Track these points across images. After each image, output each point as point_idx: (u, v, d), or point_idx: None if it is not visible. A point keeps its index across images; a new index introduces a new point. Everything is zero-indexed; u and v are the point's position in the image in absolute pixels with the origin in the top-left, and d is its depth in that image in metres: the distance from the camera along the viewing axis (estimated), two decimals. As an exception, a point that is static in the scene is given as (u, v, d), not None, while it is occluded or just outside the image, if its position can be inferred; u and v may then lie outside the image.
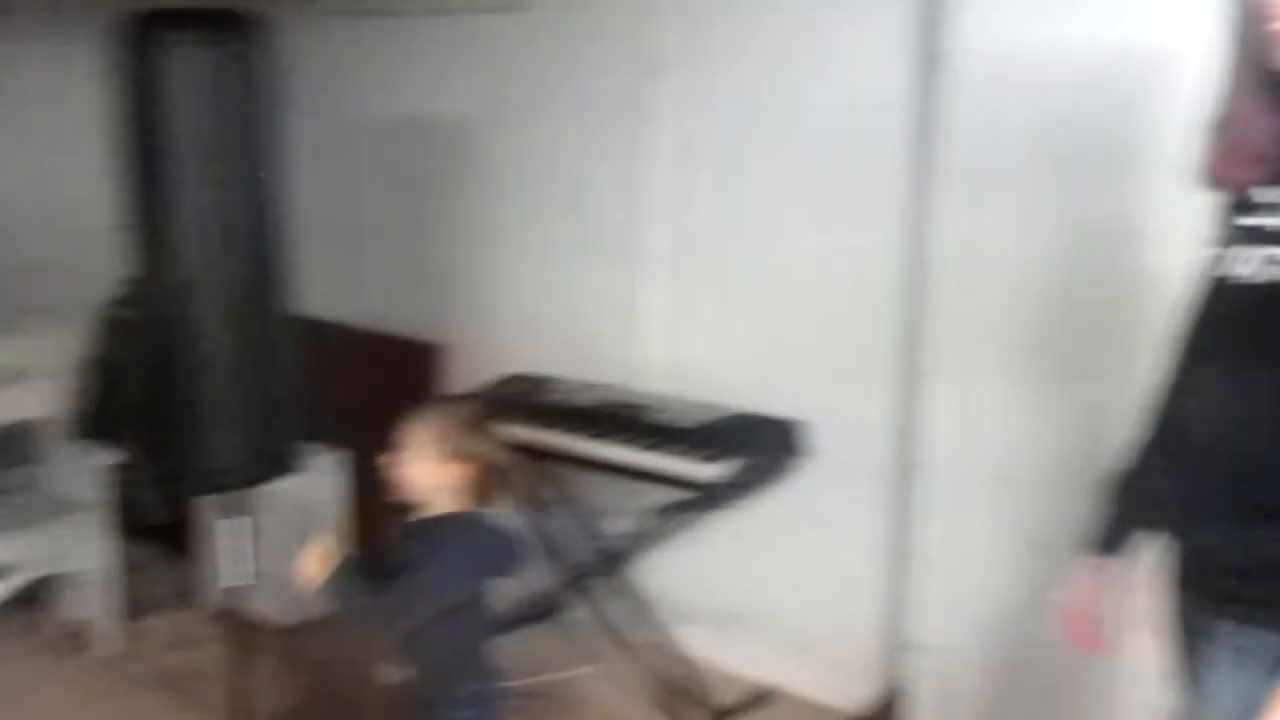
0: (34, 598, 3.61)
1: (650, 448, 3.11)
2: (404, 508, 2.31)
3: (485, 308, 3.89)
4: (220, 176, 2.32)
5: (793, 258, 3.22)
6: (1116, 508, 1.82)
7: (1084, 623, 1.82)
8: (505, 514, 2.45)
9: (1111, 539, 1.81)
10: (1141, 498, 1.78)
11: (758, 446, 3.11)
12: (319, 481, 3.65)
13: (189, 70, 2.27)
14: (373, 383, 3.92)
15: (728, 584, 3.46)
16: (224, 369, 2.38)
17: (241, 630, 2.63)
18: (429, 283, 4.03)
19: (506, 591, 2.57)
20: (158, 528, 4.27)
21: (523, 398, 3.45)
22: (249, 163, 2.36)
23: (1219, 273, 1.58)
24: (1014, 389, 2.88)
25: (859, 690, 3.19)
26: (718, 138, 3.33)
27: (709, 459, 3.02)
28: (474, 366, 3.82)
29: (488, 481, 2.30)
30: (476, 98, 3.83)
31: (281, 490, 3.41)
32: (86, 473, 3.49)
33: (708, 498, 3.04)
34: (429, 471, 2.27)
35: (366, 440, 3.75)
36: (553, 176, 3.69)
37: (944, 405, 2.95)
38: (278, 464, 2.52)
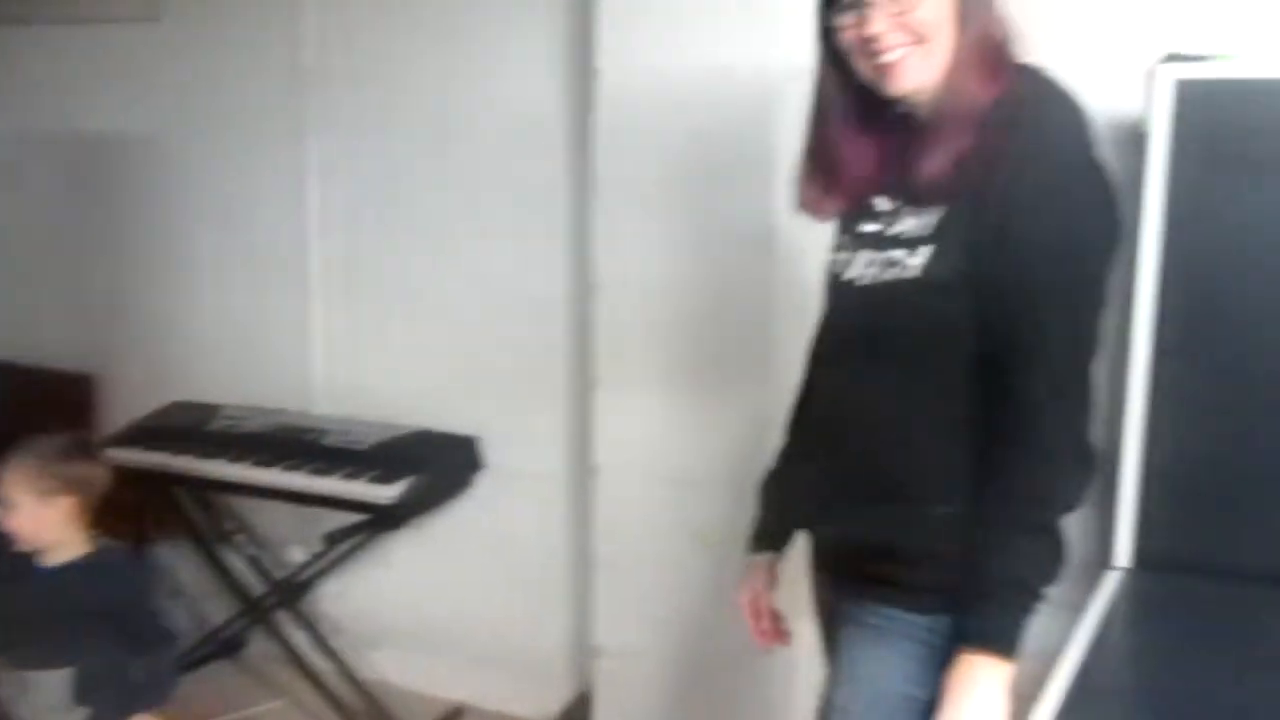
0: None
1: (323, 472, 3.03)
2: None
3: (149, 335, 3.68)
4: None
5: (462, 273, 3.21)
6: (766, 507, 1.90)
7: (762, 619, 1.89)
8: (120, 546, 2.41)
9: (767, 537, 1.89)
10: (786, 495, 1.86)
11: (435, 464, 3.08)
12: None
13: None
14: (25, 420, 3.64)
15: (414, 604, 3.41)
16: None
17: None
18: (84, 310, 3.77)
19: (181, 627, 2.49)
20: None
21: (189, 427, 3.29)
22: None
23: (838, 276, 1.67)
24: (682, 396, 2.95)
25: (550, 699, 3.21)
26: (381, 152, 3.28)
27: (383, 480, 2.97)
28: (138, 397, 3.60)
29: (104, 508, 2.26)
30: (128, 112, 3.63)
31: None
32: None
33: (384, 519, 2.98)
34: (36, 515, 2.18)
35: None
36: (216, 194, 3.53)
37: (615, 414, 3.00)
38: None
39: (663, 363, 2.98)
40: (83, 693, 2.24)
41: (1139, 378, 2.08)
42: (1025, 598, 1.48)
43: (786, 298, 2.69)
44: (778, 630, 1.90)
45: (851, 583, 1.67)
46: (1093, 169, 1.50)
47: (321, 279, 3.40)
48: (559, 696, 3.21)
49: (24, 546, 2.22)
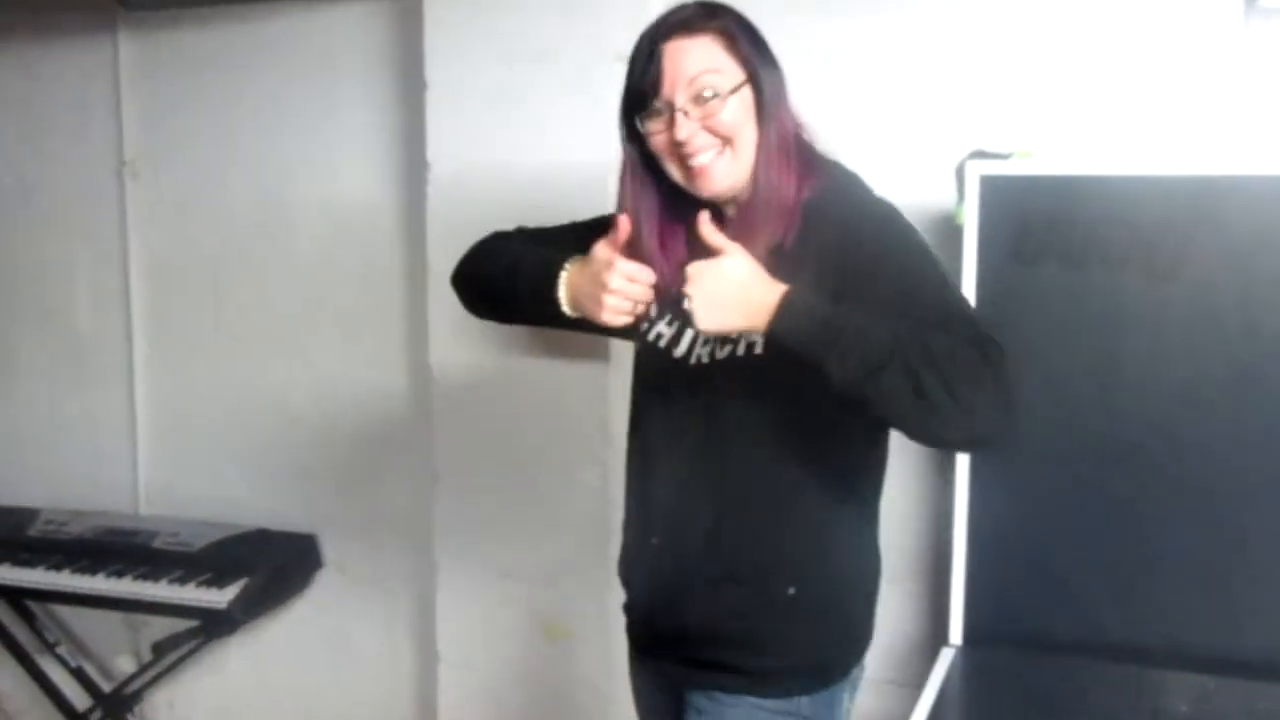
0: None
1: (149, 576, 2.91)
2: None
3: (-37, 435, 3.50)
4: None
5: (296, 365, 3.14)
6: None
7: None
8: None
9: None
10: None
11: (270, 564, 2.98)
12: None
13: None
14: None
15: (252, 712, 3.27)
16: None
17: None
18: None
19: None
20: None
21: (5, 532, 3.12)
22: None
23: (664, 352, 1.68)
24: (522, 488, 2.92)
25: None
26: (207, 244, 3.19)
27: (214, 583, 2.88)
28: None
29: None
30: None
31: None
32: None
33: (216, 624, 2.87)
34: None
35: None
36: (31, 287, 3.40)
37: (456, 507, 2.95)
38: None
39: (502, 454, 2.96)
40: None
41: (963, 461, 2.15)
42: (870, 352, 1.37)
43: (623, 389, 2.71)
44: None
45: (693, 670, 1.68)
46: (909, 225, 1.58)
47: (146, 375, 3.28)
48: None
49: None
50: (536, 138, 2.61)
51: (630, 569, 1.79)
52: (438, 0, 2.68)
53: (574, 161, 2.54)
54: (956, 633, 2.17)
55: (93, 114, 3.25)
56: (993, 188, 2.06)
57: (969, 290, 2.08)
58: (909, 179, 2.04)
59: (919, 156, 2.33)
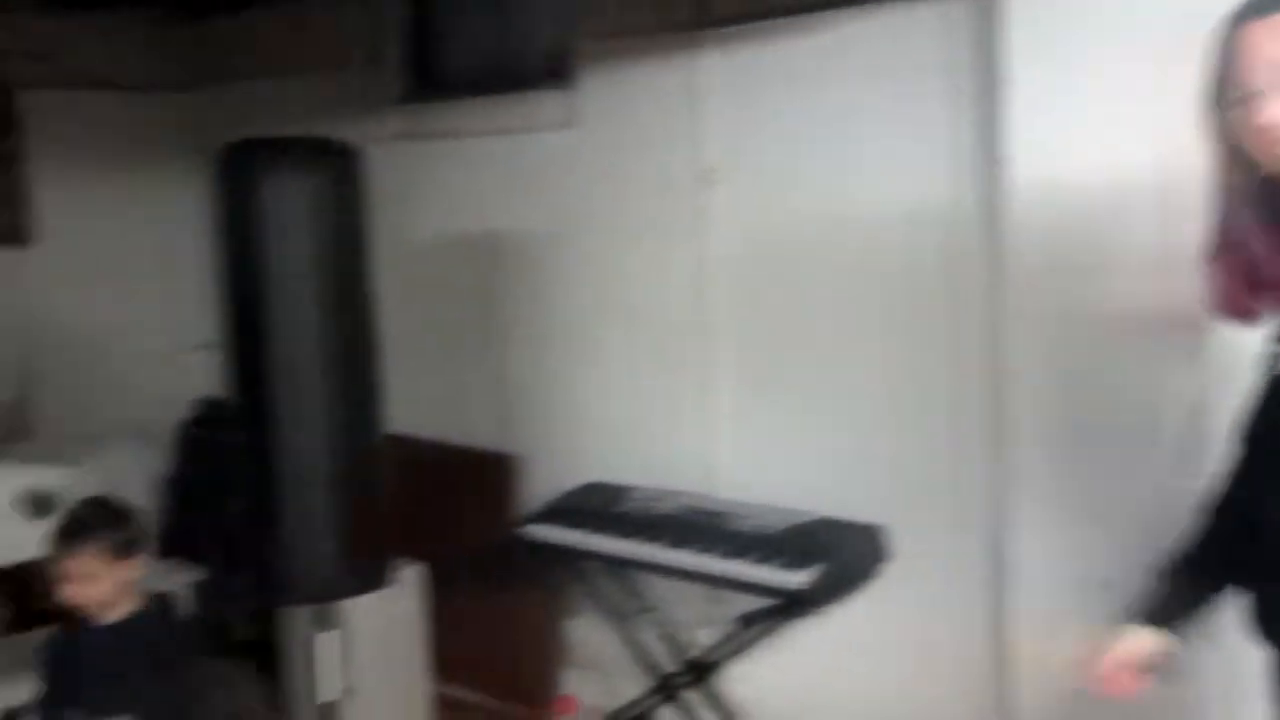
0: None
1: (734, 555, 3.10)
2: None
3: (558, 418, 3.92)
4: (317, 296, 2.38)
5: (866, 361, 3.22)
6: (1170, 587, 1.82)
7: (1122, 678, 1.80)
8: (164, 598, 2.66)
9: (1161, 615, 1.80)
10: (1199, 582, 1.79)
11: (842, 552, 3.08)
12: (400, 595, 3.67)
13: (287, 195, 2.35)
14: (445, 496, 3.97)
15: (822, 692, 3.39)
16: (319, 484, 2.40)
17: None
18: (504, 396, 4.07)
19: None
20: (240, 644, 4.31)
21: (603, 507, 3.46)
22: (345, 283, 2.42)
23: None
24: (1107, 489, 2.84)
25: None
26: (779, 246, 3.36)
27: (793, 565, 3.00)
28: (548, 477, 3.84)
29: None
30: (538, 212, 3.91)
31: (365, 604, 3.46)
32: (174, 587, 3.51)
33: (792, 605, 3.01)
34: (114, 580, 2.45)
35: (439, 554, 3.81)
36: (619, 288, 3.74)
37: (1033, 508, 2.91)
38: (370, 578, 2.53)
39: (1083, 458, 2.87)
40: None
41: None
42: None
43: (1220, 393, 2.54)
44: (1127, 684, 1.78)
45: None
46: None
47: (725, 367, 3.51)
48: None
49: (90, 612, 2.46)
50: (1116, 135, 2.52)
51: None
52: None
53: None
54: None
55: (675, 125, 3.52)
56: None
57: None
58: None
59: None
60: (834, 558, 3.04)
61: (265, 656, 4.09)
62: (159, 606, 2.59)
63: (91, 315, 4.68)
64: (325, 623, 2.55)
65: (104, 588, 2.45)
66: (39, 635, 2.57)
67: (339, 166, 2.46)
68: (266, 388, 2.38)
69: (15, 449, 4.35)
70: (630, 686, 3.66)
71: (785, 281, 3.37)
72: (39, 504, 3.45)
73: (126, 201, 4.82)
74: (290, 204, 2.34)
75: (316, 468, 2.40)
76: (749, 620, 3.09)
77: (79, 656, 2.47)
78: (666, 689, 3.39)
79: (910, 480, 3.17)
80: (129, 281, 4.81)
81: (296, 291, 2.36)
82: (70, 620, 2.48)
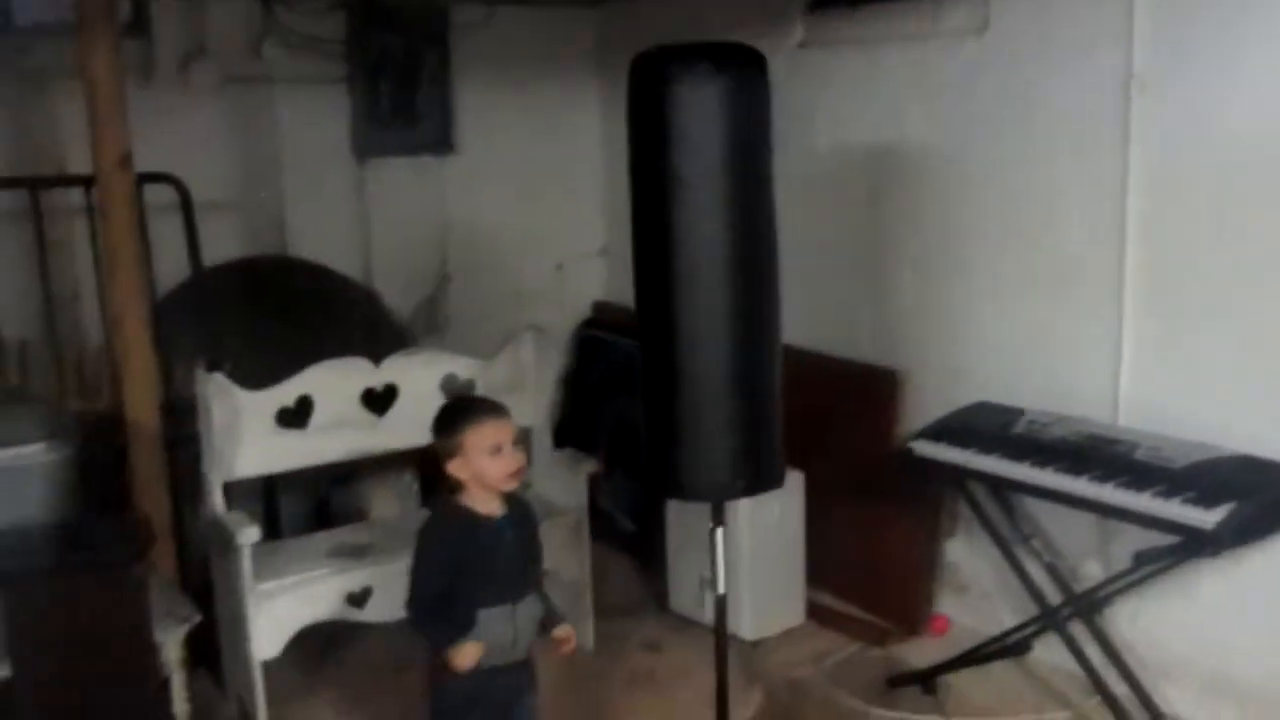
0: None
1: (1132, 486, 2.93)
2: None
3: (948, 337, 3.82)
4: (720, 206, 2.42)
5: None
6: None
7: None
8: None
9: None
10: None
11: (1259, 494, 2.84)
12: (786, 499, 3.75)
13: (698, 99, 2.40)
14: (828, 405, 3.99)
15: (1218, 643, 3.18)
16: (719, 387, 2.48)
17: (721, 639, 2.73)
18: (889, 311, 4.02)
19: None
20: (624, 536, 4.57)
21: (993, 427, 3.36)
22: (749, 191, 2.45)
23: None
24: None
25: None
26: (1207, 160, 3.08)
27: (1200, 503, 2.80)
28: (934, 395, 3.77)
29: None
30: (938, 124, 3.77)
31: (754, 505, 3.57)
32: (570, 479, 3.75)
33: (1199, 545, 2.80)
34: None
35: (822, 464, 3.86)
36: (1020, 204, 3.57)
37: None
38: (762, 479, 2.60)
39: None
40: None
41: None
42: None
43: None
44: None
45: None
46: None
47: (1135, 290, 3.28)
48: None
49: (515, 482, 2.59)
50: None
51: None
52: None
53: None
54: None
55: (1103, 27, 3.28)
56: None
57: None
58: None
59: None
60: (1247, 499, 2.81)
61: (644, 550, 4.33)
62: (524, 504, 2.74)
63: (498, 221, 5.02)
64: (719, 520, 2.63)
65: (522, 459, 2.61)
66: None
67: (747, 73, 2.49)
68: (671, 293, 2.47)
69: (434, 340, 4.79)
70: (1007, 614, 3.58)
71: (1212, 199, 3.09)
72: (456, 392, 3.78)
73: (535, 114, 5.10)
74: (700, 109, 2.39)
75: (719, 373, 2.47)
76: (1146, 557, 2.92)
77: (491, 545, 2.59)
78: (1049, 620, 3.27)
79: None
80: (534, 190, 5.12)
81: (703, 198, 2.41)
82: (451, 508, 2.61)
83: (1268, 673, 3.09)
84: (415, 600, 2.55)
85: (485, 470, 2.53)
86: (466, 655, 2.48)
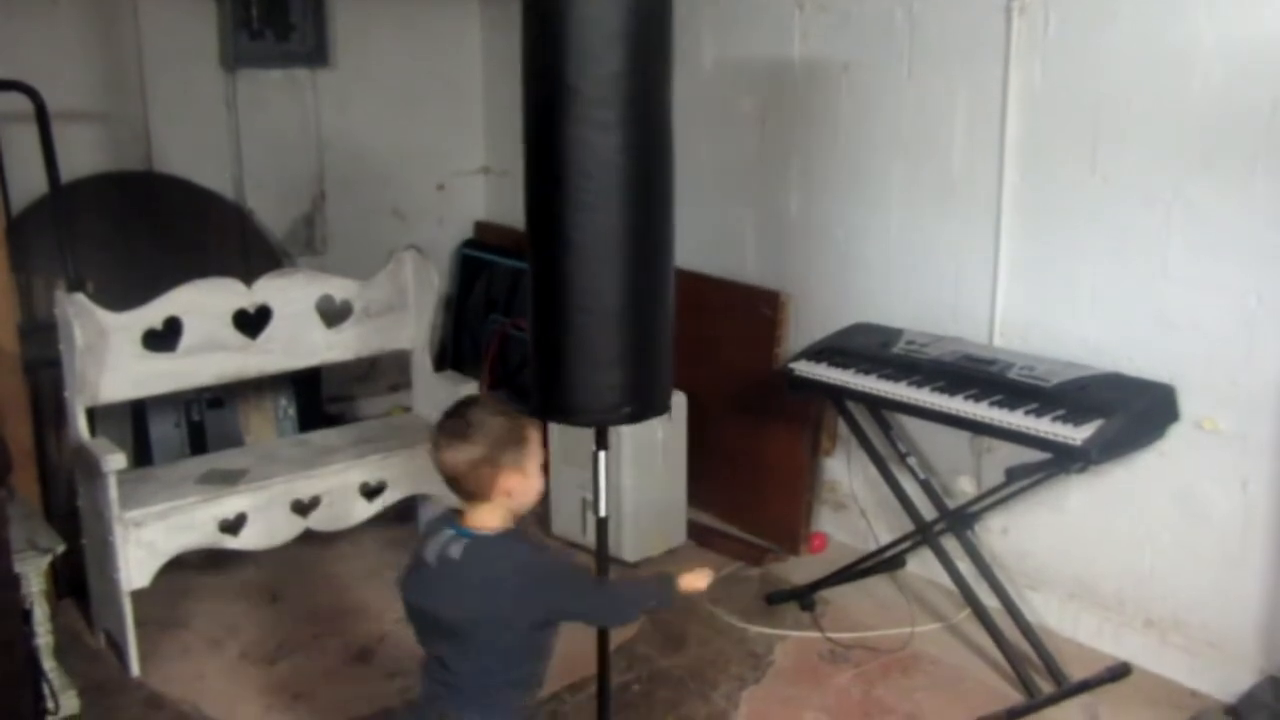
0: (407, 514, 3.89)
1: (1005, 405, 3.00)
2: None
3: (836, 257, 3.82)
4: (618, 121, 2.34)
5: (1167, 211, 2.99)
6: None
7: None
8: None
9: None
10: None
11: (1124, 410, 2.92)
12: (665, 421, 3.74)
13: (592, 15, 2.31)
14: (713, 328, 3.99)
15: (1084, 554, 3.30)
16: (610, 310, 2.41)
17: (602, 561, 2.72)
18: (774, 232, 4.01)
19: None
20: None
21: (872, 348, 3.40)
22: (646, 108, 2.38)
23: None
24: None
25: (1231, 679, 2.98)
26: (1088, 83, 3.11)
27: (1069, 420, 2.88)
28: (817, 315, 3.80)
29: None
30: (827, 41, 3.75)
31: (638, 428, 3.55)
32: (452, 400, 3.69)
33: (1068, 460, 2.88)
34: None
35: (703, 383, 3.86)
36: (906, 123, 3.57)
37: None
38: (649, 406, 2.56)
39: None
40: None
41: None
42: None
43: None
44: None
45: None
46: None
47: (1013, 210, 3.32)
48: (1242, 678, 2.96)
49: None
50: None
51: None
52: None
53: None
54: None
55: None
56: None
57: None
58: None
59: None
60: (1114, 415, 2.89)
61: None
62: None
63: (376, 138, 4.88)
64: (603, 444, 2.60)
65: None
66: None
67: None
68: (564, 212, 2.39)
69: (312, 260, 4.66)
70: (883, 531, 3.65)
71: (1089, 121, 3.12)
72: (333, 313, 3.68)
73: (414, 26, 4.94)
74: (597, 21, 2.30)
75: (611, 296, 2.40)
76: (1016, 473, 3.00)
77: None
78: (922, 535, 3.35)
79: (1207, 341, 2.95)
80: (413, 105, 4.98)
81: (599, 114, 2.33)
82: (513, 532, 2.20)
83: (1126, 582, 3.22)
84: (604, 598, 2.37)
85: (537, 487, 2.17)
86: (699, 575, 2.32)
